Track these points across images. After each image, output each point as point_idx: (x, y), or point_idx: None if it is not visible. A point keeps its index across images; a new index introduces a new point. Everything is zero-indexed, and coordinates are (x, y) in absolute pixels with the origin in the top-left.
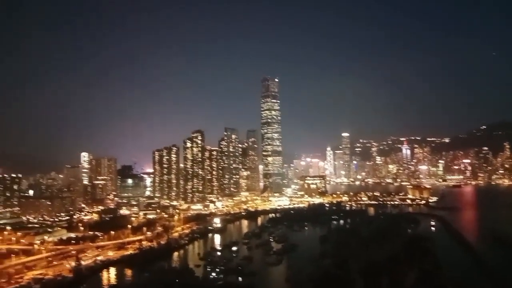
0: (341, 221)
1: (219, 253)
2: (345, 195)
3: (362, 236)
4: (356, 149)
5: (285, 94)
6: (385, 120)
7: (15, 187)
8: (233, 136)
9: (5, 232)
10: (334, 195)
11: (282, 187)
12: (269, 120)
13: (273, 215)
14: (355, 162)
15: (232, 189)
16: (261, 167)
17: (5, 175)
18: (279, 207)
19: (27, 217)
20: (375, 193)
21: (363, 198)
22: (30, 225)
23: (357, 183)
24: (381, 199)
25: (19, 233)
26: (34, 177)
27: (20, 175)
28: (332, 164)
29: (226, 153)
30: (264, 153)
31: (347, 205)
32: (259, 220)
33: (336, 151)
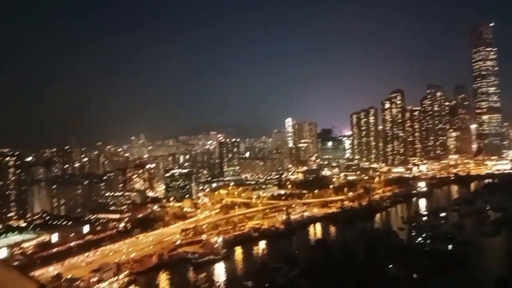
0: None
1: (424, 218)
2: None
3: None
4: None
5: (503, 41)
6: None
7: (235, 150)
8: (438, 94)
9: (229, 187)
10: None
11: (501, 149)
12: (483, 73)
13: (490, 180)
14: None
15: (438, 151)
16: (473, 126)
17: (227, 140)
18: (497, 172)
19: (245, 175)
20: None
21: None
22: (248, 182)
23: None
24: None
25: (240, 189)
26: (249, 141)
27: (238, 140)
28: None
29: (430, 113)
30: (478, 110)
31: None
32: (472, 186)
33: None
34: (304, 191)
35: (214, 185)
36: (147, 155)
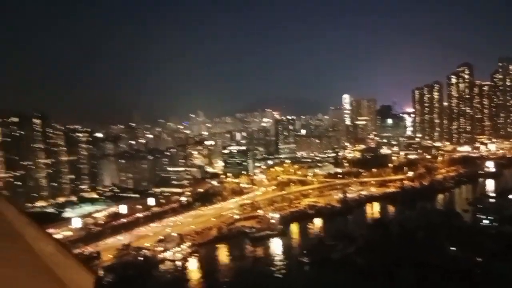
0: None
1: (492, 200)
2: None
3: None
4: None
5: None
6: None
7: (290, 127)
8: (511, 67)
9: (285, 165)
10: None
11: None
12: None
13: None
14: None
15: (509, 129)
16: None
17: (283, 117)
18: None
19: (301, 153)
20: None
21: None
22: (303, 160)
23: None
24: None
25: (295, 166)
26: (304, 118)
27: (293, 117)
28: None
29: (501, 88)
30: None
31: None
32: None
33: None
34: (362, 170)
35: (270, 162)
36: (205, 132)
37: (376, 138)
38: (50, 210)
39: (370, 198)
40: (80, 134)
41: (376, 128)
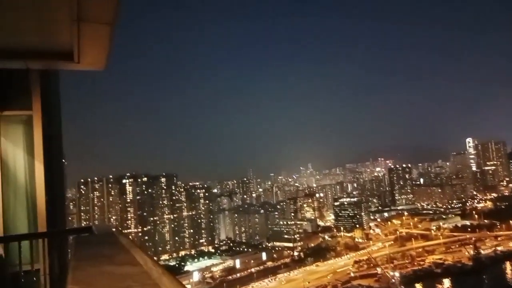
0: None
1: None
2: None
3: None
4: None
5: None
6: None
7: (407, 176)
8: None
9: (403, 217)
10: None
11: None
12: None
13: None
14: None
15: None
16: None
17: (397, 166)
18: None
19: (421, 203)
20: None
21: None
22: (424, 211)
23: None
24: None
25: (415, 219)
26: (422, 166)
27: (409, 165)
28: None
29: None
30: None
31: None
32: None
33: None
34: (496, 222)
35: (385, 214)
36: (315, 184)
37: (510, 184)
38: (173, 263)
39: (509, 255)
40: (199, 191)
41: (509, 173)
